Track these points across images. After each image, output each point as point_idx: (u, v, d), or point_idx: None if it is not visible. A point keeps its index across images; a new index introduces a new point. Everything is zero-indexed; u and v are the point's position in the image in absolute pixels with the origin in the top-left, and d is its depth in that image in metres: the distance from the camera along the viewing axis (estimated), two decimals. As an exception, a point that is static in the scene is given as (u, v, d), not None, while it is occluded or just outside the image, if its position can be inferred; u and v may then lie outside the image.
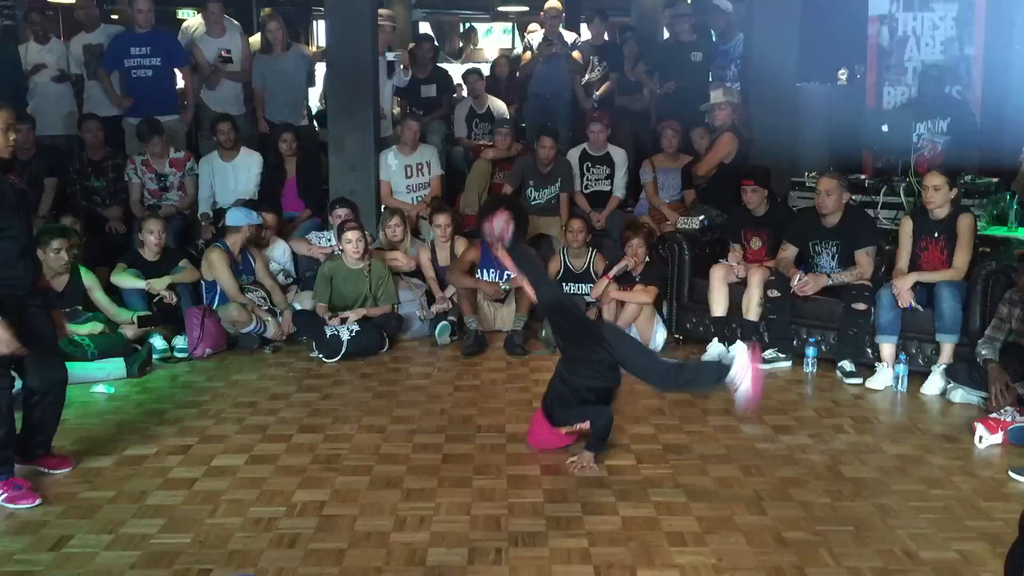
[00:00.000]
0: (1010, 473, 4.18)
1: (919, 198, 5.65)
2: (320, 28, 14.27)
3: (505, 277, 6.49)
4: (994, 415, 4.66)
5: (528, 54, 8.79)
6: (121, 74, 7.66)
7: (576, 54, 8.67)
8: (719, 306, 6.03)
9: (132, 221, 7.15)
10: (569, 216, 7.02)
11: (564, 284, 6.60)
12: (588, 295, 6.45)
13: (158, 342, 6.02)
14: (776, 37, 7.53)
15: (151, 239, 6.32)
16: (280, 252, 6.84)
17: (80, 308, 5.87)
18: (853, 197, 5.95)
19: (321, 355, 6.03)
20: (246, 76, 8.01)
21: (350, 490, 4.06)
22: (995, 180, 6.18)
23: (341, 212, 6.80)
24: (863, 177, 6.50)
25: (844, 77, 8.77)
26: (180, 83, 8.09)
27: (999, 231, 5.86)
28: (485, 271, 6.56)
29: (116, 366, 5.62)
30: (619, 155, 7.54)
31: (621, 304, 6.12)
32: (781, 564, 3.42)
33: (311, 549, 3.54)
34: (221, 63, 7.79)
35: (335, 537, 3.64)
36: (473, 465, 4.33)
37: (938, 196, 5.42)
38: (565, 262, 6.62)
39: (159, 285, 6.20)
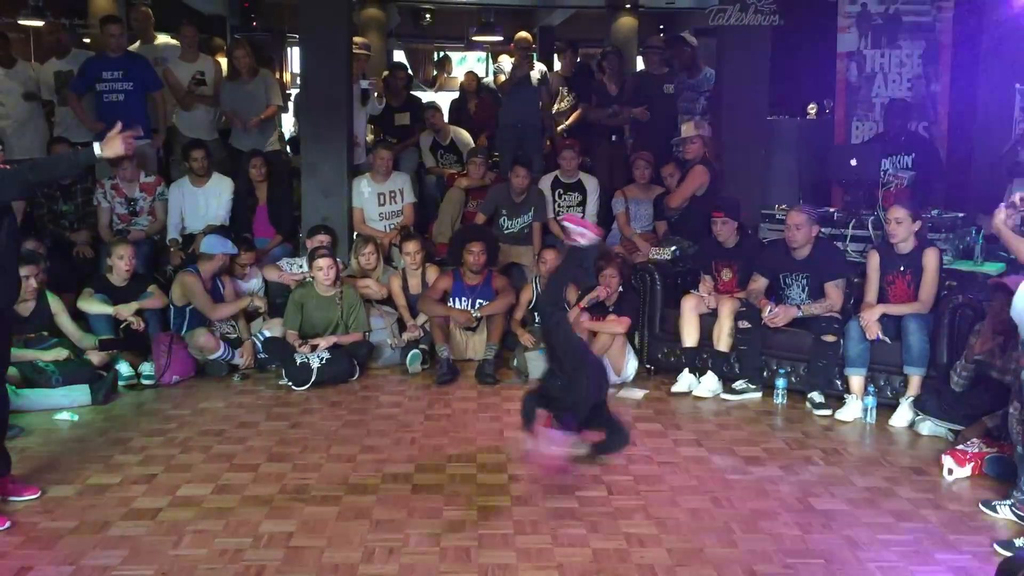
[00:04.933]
0: (980, 506, 4.20)
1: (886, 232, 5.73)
2: (295, 55, 14.29)
3: (476, 305, 6.48)
4: (961, 447, 4.70)
5: (501, 77, 8.88)
6: (93, 98, 7.60)
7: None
8: (690, 336, 6.05)
9: (100, 246, 7.07)
10: (542, 246, 7.04)
11: (536, 313, 6.60)
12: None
13: (124, 369, 5.94)
14: (747, 71, 7.64)
15: (120, 264, 6.24)
16: (254, 283, 6.79)
17: (46, 334, 5.79)
18: (822, 230, 6.02)
19: (290, 383, 5.98)
20: (218, 102, 8.00)
21: (318, 521, 4.01)
22: (961, 215, 6.27)
23: (323, 238, 6.80)
24: (832, 210, 6.57)
25: (813, 112, 8.90)
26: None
27: (965, 265, 5.93)
28: (457, 299, 6.54)
29: (81, 393, 5.53)
30: (591, 183, 7.60)
31: (594, 334, 6.12)
32: (752, 597, 3.41)
33: (277, 581, 3.49)
34: (195, 85, 7.77)
35: (302, 569, 3.58)
36: (443, 496, 4.29)
37: (901, 229, 5.50)
38: (537, 291, 6.63)
39: (126, 311, 6.11)
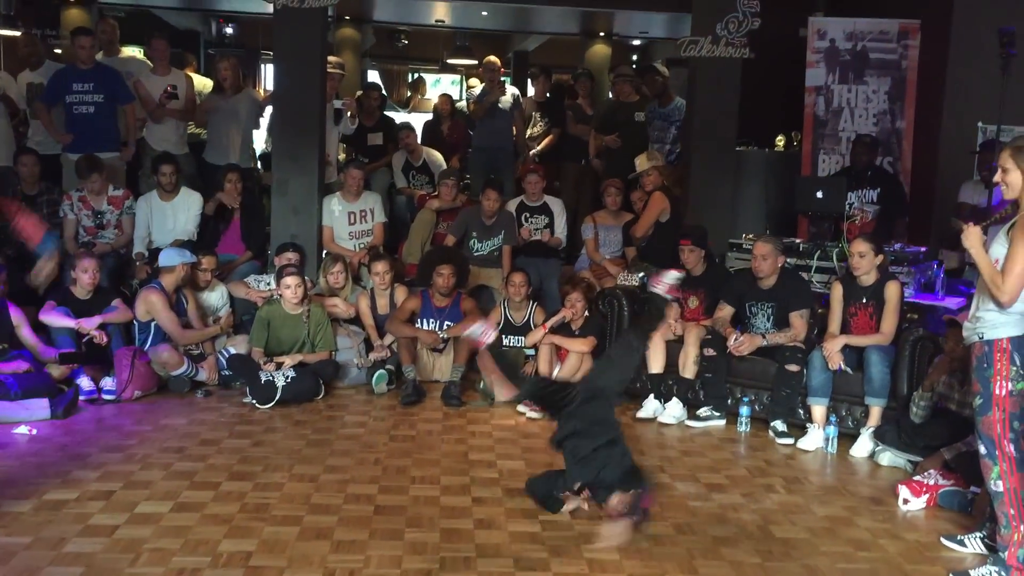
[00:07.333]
0: (943, 540, 4.21)
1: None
2: (269, 72, 14.28)
3: (444, 326, 6.48)
4: (918, 478, 4.75)
5: (472, 104, 8.96)
6: (63, 110, 7.54)
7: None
8: (656, 363, 6.10)
9: (64, 258, 6.97)
10: (511, 269, 7.07)
11: (504, 336, 6.62)
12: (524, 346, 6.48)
13: (85, 383, 5.86)
14: (717, 102, 7.75)
15: (85, 277, 6.17)
16: (217, 296, 6.73)
17: (6, 346, 5.70)
18: (788, 260, 6.09)
19: (254, 401, 5.93)
20: (189, 116, 7.97)
21: (278, 541, 3.97)
22: (923, 249, 6.38)
23: (291, 256, 6.78)
24: (798, 241, 6.66)
25: (781, 144, 9.04)
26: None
27: (926, 299, 6.03)
28: (425, 320, 6.54)
29: (40, 407, 5.44)
30: (557, 205, 7.68)
31: (558, 355, 6.16)
32: (711, 624, 3.42)
33: (235, 601, 3.45)
34: (166, 98, 7.75)
35: (261, 589, 3.55)
36: (406, 517, 4.27)
37: (864, 263, 5.58)
38: (505, 314, 6.65)
39: (89, 325, 6.04)
